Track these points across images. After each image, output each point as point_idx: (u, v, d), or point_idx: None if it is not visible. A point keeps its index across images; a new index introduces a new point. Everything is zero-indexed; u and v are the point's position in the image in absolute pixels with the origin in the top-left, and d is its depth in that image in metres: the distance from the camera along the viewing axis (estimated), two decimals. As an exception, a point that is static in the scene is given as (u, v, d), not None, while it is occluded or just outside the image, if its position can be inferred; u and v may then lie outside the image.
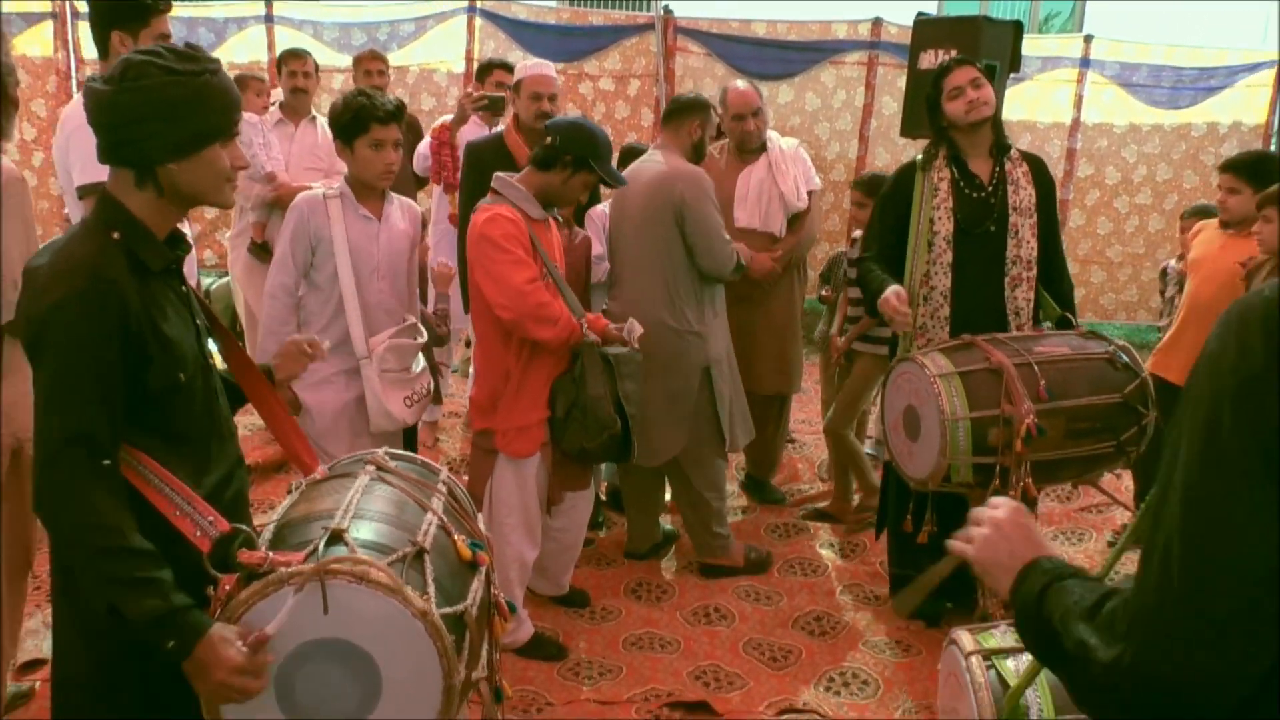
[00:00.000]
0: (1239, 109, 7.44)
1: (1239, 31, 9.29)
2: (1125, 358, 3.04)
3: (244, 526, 1.60)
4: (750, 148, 4.16)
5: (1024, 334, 3.17)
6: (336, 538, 1.54)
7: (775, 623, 3.52)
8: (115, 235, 1.60)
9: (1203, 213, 4.58)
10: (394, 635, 1.50)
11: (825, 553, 4.07)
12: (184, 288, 1.75)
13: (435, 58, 7.44)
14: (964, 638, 1.75)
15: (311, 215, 3.00)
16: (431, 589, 1.55)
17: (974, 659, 1.58)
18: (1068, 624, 0.99)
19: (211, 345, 1.85)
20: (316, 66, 5.16)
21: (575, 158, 2.96)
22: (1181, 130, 7.43)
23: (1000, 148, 3.28)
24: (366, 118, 2.91)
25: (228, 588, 1.51)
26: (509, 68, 4.70)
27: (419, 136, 5.08)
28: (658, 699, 3.01)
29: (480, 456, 3.10)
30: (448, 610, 1.55)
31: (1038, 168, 3.33)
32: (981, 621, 3.18)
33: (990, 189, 3.25)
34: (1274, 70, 7.32)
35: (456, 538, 1.72)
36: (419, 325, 3.17)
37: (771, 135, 4.24)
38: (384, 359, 3.02)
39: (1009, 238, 3.24)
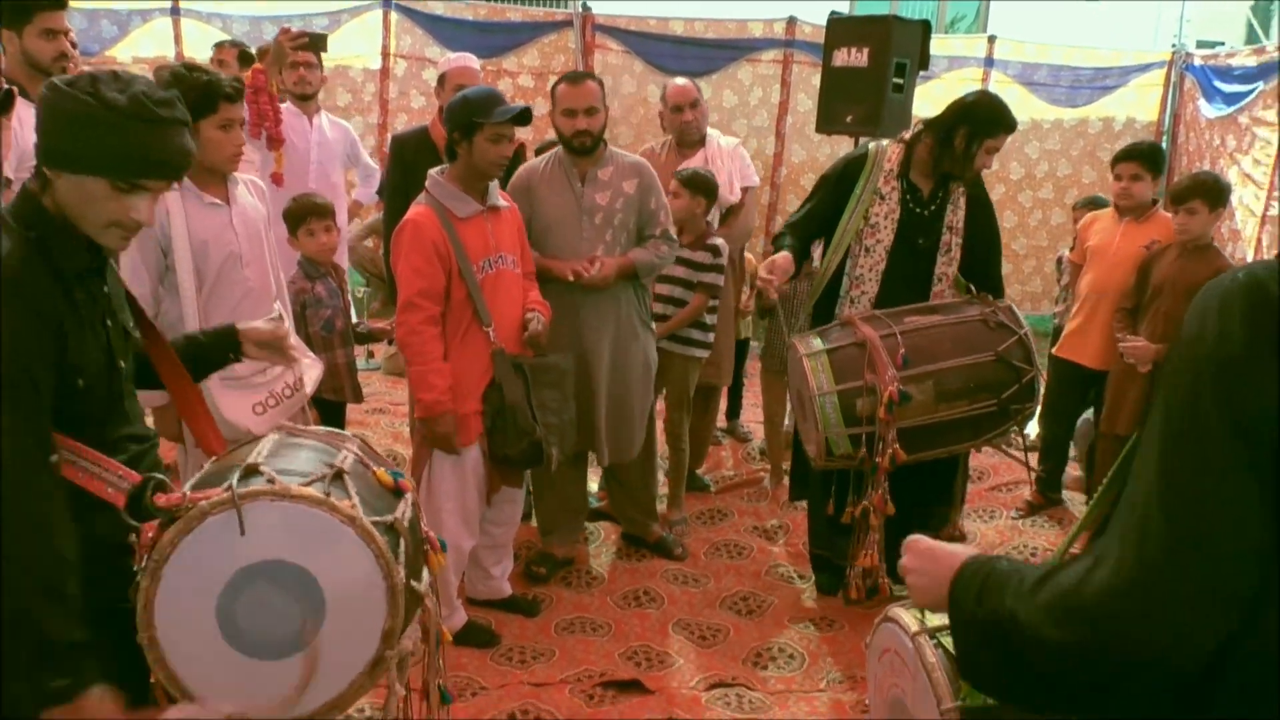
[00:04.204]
0: (1133, 107, 7.81)
1: (1131, 33, 9.75)
2: (1001, 317, 3.16)
3: (157, 474, 1.60)
4: (690, 140, 4.33)
5: (902, 308, 3.26)
6: (252, 471, 1.56)
7: (703, 604, 3.60)
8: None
9: (1092, 204, 4.84)
10: (326, 545, 1.52)
11: (749, 536, 4.17)
12: (105, 289, 1.75)
13: (350, 53, 7.35)
14: (904, 616, 1.71)
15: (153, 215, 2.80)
16: (355, 499, 1.57)
17: (920, 638, 1.59)
18: (1014, 615, 1.00)
19: None
20: (245, 56, 5.05)
21: (461, 130, 2.95)
22: (1079, 127, 7.77)
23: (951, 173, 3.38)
24: (216, 95, 2.64)
25: (150, 534, 1.52)
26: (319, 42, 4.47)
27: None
28: (590, 679, 3.06)
29: (419, 442, 3.12)
30: (376, 519, 1.58)
31: (976, 189, 3.45)
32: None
33: (934, 206, 3.38)
34: (1164, 70, 7.71)
35: (375, 469, 1.73)
36: (280, 319, 2.97)
37: (712, 133, 4.43)
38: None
39: (940, 254, 3.38)
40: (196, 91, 2.60)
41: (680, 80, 4.40)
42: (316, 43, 4.02)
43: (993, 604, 1.03)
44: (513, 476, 3.27)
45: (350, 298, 3.72)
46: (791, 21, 7.30)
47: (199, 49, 6.95)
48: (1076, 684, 0.96)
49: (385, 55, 7.26)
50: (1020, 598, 1.00)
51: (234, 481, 1.51)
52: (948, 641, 1.62)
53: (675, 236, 3.65)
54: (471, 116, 2.93)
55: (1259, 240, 6.53)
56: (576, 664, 3.15)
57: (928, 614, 1.72)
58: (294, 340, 2.19)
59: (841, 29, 4.95)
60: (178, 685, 1.52)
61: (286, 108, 4.46)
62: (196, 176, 2.81)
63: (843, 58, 4.88)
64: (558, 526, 3.80)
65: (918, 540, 1.24)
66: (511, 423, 3.03)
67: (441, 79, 3.93)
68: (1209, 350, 0.91)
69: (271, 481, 1.53)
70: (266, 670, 1.52)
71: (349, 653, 1.56)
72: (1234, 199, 6.67)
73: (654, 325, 3.89)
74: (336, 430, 1.92)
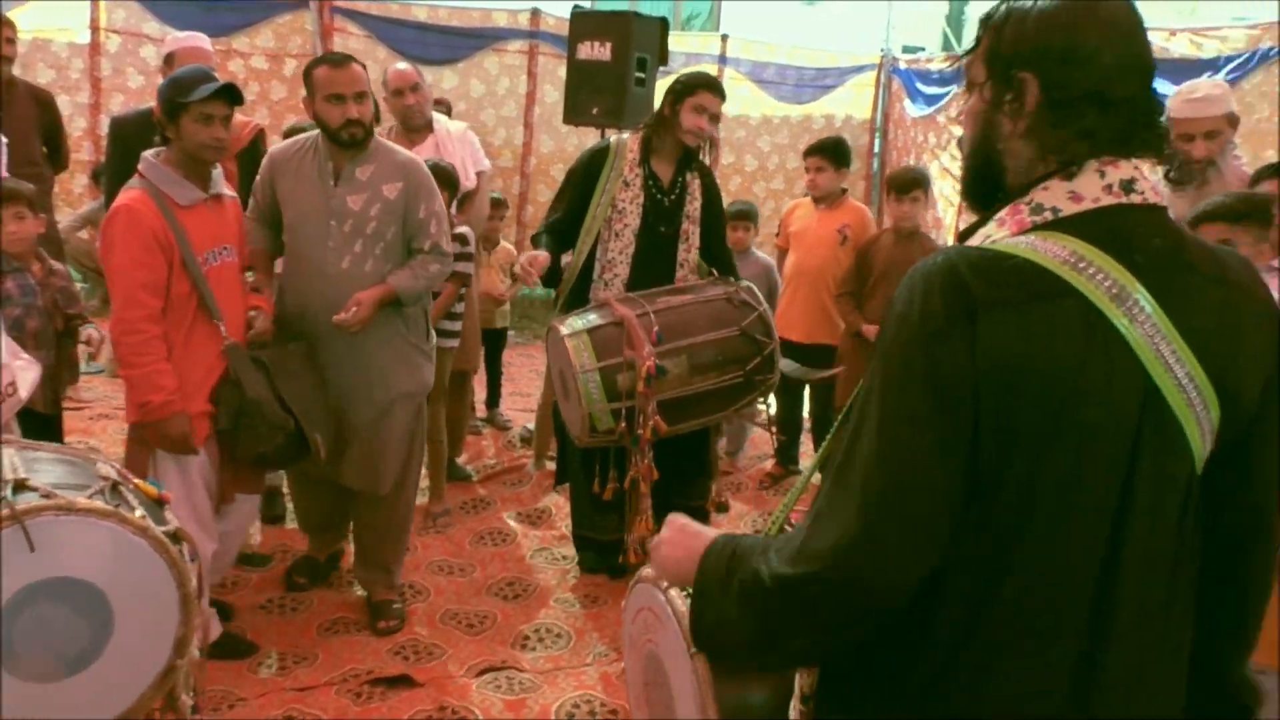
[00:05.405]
0: (850, 105, 8.52)
1: (854, 35, 10.58)
2: (743, 295, 3.44)
3: None
4: (415, 124, 4.25)
5: (653, 290, 3.46)
6: (21, 486, 1.45)
7: (469, 592, 3.61)
8: None
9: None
10: (115, 558, 1.45)
11: (512, 522, 4.22)
12: None
13: (52, 24, 6.68)
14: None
15: None
16: (141, 510, 1.51)
17: (672, 591, 1.70)
18: (758, 571, 1.09)
19: None
20: None
21: (166, 111, 2.77)
22: (805, 123, 8.38)
23: (687, 161, 3.57)
24: None
25: None
26: None
27: (53, 115, 4.57)
28: (357, 679, 3.00)
29: (136, 450, 2.82)
30: (164, 529, 1.53)
31: (708, 179, 3.68)
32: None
33: (674, 195, 3.56)
34: (875, 72, 8.46)
35: (135, 480, 1.68)
36: None
37: (439, 118, 4.39)
38: None
39: (680, 242, 3.58)
40: None
41: (401, 65, 4.38)
42: None
43: (740, 570, 1.13)
44: (248, 482, 3.07)
45: (58, 295, 3.36)
46: (535, 13, 7.39)
47: None
48: (802, 623, 1.07)
49: (94, 29, 6.66)
50: (764, 557, 1.10)
51: (8, 496, 1.40)
52: None
53: (448, 250, 3.30)
54: (175, 97, 2.74)
55: (957, 227, 7.33)
56: (341, 665, 3.08)
57: None
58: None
59: (585, 23, 5.08)
60: None
61: None
62: None
63: (587, 51, 5.02)
64: (315, 527, 3.67)
65: (676, 517, 1.33)
66: (260, 419, 2.86)
67: (169, 59, 3.68)
68: (915, 324, 1.03)
69: (49, 496, 1.43)
70: (49, 693, 1.43)
71: (137, 665, 1.50)
72: (936, 191, 7.45)
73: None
74: (73, 448, 1.81)
